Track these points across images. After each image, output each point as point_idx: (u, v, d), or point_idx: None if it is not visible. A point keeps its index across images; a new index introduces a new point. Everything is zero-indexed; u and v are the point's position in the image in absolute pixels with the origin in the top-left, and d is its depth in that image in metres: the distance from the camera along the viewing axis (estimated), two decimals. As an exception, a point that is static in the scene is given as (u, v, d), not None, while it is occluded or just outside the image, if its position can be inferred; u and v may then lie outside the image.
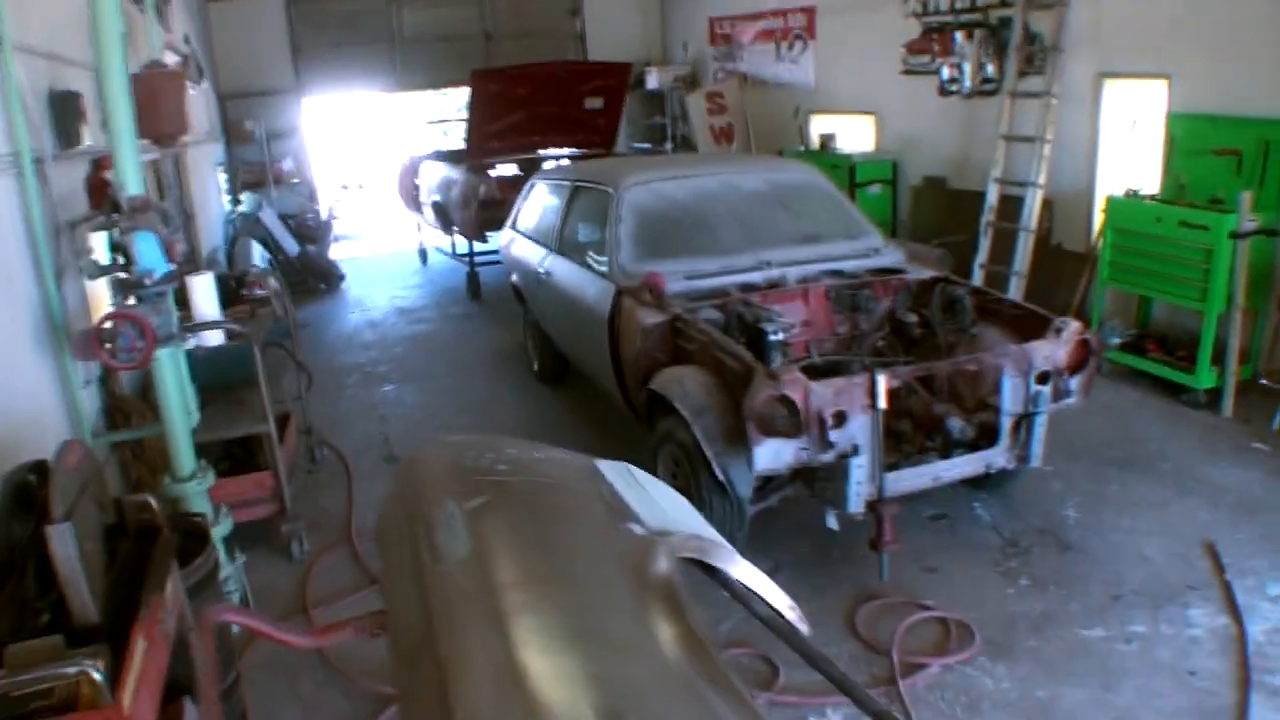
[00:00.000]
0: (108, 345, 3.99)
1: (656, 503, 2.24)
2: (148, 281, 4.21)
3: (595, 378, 6.10)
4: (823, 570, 4.69)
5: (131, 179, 4.16)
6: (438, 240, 12.40)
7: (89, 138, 5.22)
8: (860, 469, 4.14)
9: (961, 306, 4.99)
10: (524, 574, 1.75)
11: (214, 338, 5.17)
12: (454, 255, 11.66)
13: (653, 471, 4.99)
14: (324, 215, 13.32)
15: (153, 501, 3.54)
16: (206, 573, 3.88)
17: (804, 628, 2.31)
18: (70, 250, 4.72)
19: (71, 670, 2.58)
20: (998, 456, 4.48)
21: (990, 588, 4.43)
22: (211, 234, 10.09)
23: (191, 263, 8.61)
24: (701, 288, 5.22)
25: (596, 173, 6.54)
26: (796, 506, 4.75)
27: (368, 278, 12.81)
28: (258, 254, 10.12)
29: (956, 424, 4.51)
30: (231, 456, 5.67)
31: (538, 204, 7.39)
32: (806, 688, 3.86)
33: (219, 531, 4.56)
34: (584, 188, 6.43)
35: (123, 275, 4.19)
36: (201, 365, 5.53)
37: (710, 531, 2.37)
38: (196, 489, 4.53)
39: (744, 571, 2.23)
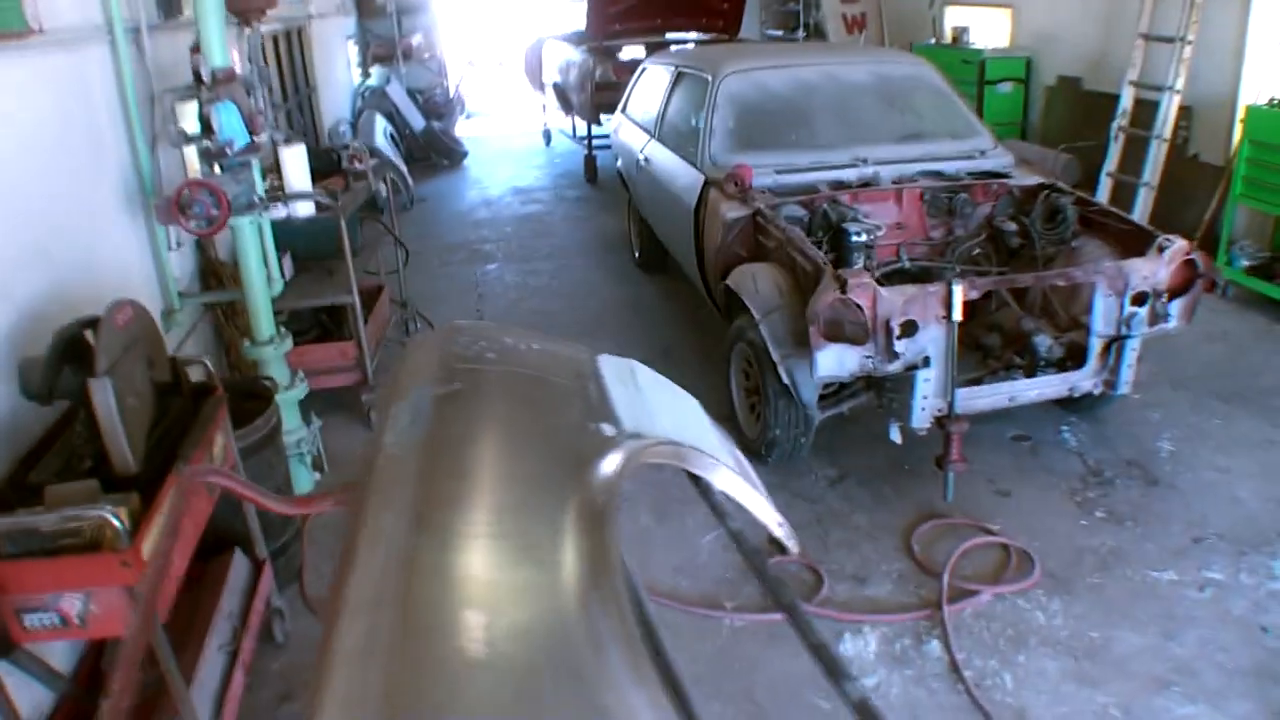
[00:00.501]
0: (185, 212, 4.08)
1: (649, 405, 2.14)
2: (229, 151, 4.28)
3: (684, 268, 5.98)
4: (890, 483, 4.54)
5: (216, 51, 4.19)
6: (561, 122, 12.30)
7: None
8: (928, 382, 3.94)
9: (1064, 217, 4.64)
10: (461, 466, 1.69)
11: (305, 209, 5.23)
12: (574, 138, 11.58)
13: (726, 371, 4.93)
14: (451, 92, 13.33)
15: (208, 362, 3.65)
16: (266, 433, 4.01)
17: (793, 546, 2.21)
18: (165, 120, 4.80)
19: (92, 514, 2.69)
20: (1083, 380, 4.20)
21: (1062, 518, 4.20)
22: (336, 107, 10.21)
23: (311, 135, 8.78)
24: (791, 183, 5.00)
25: (699, 59, 6.30)
26: (871, 415, 4.58)
27: (490, 156, 12.84)
28: (381, 129, 10.21)
29: (1044, 342, 4.24)
30: (321, 325, 5.80)
31: (645, 89, 7.20)
32: (849, 603, 3.77)
33: (294, 395, 4.69)
34: (686, 74, 6.20)
35: (207, 145, 4.27)
36: (297, 235, 5.66)
37: (707, 439, 2.27)
38: (274, 353, 4.65)
39: (727, 481, 2.13)
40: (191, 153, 4.55)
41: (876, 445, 4.72)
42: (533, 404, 2.01)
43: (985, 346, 4.59)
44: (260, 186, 4.77)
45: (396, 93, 11.59)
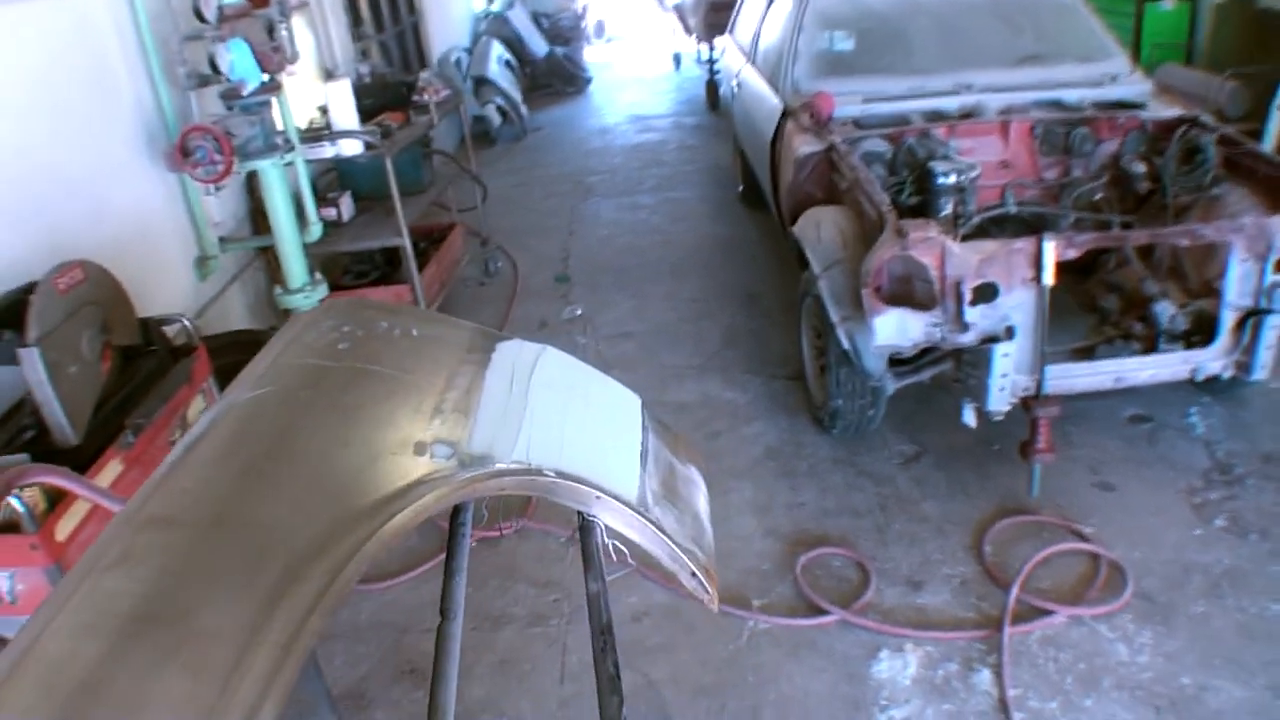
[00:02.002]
0: (189, 158, 3.84)
1: (532, 413, 1.71)
2: (244, 92, 4.00)
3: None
4: (973, 466, 3.93)
5: (220, -16, 3.89)
6: (690, 45, 11.72)
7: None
8: (1008, 358, 3.31)
9: (1204, 158, 3.83)
10: (196, 488, 1.34)
11: (352, 147, 4.93)
12: (699, 62, 11.00)
13: (797, 326, 4.38)
14: (580, 16, 12.85)
15: (186, 321, 3.39)
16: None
17: (710, 602, 1.75)
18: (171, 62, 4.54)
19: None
20: (1210, 360, 3.46)
21: (1173, 523, 3.51)
22: (447, 35, 9.88)
23: (417, 67, 8.50)
24: (879, 114, 4.35)
25: (795, -29, 5.62)
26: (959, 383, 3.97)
27: (616, 82, 12.37)
28: (495, 56, 9.87)
29: (1167, 310, 3.52)
30: (390, 264, 5.55)
31: (748, 8, 6.57)
32: (895, 611, 3.25)
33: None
34: (781, -11, 5.54)
35: (229, 86, 4.01)
36: (359, 173, 5.39)
37: (615, 459, 1.82)
38: (305, 301, 4.41)
39: (614, 516, 1.69)
40: (206, 95, 4.30)
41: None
42: (348, 418, 1.60)
43: (1101, 310, 3.88)
44: (291, 126, 4.47)
45: (519, 18, 11.19)
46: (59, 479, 1.90)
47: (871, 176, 3.77)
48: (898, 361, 3.76)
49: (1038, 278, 3.25)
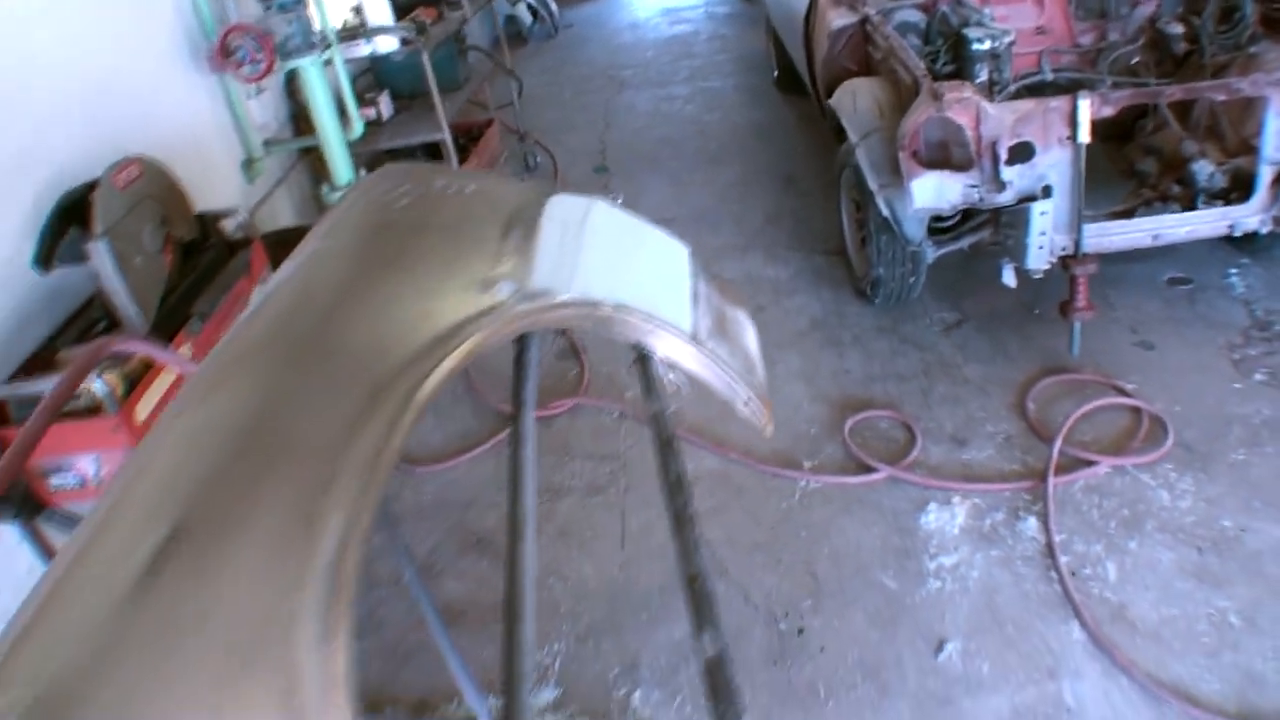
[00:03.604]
0: (230, 58, 3.90)
1: (587, 256, 1.79)
2: (279, -9, 4.04)
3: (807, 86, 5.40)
4: (1015, 331, 3.98)
5: None
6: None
7: None
8: (1045, 216, 3.33)
9: (1241, 15, 3.77)
10: (277, 326, 1.45)
11: (387, 44, 4.96)
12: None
13: (836, 203, 4.41)
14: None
15: (241, 213, 3.49)
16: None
17: (767, 429, 1.85)
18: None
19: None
20: (1247, 216, 3.46)
21: (1213, 378, 3.56)
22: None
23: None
24: (913, -16, 4.30)
25: None
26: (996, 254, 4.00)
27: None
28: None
29: (1205, 168, 3.52)
30: (432, 160, 5.62)
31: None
32: (941, 467, 3.35)
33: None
34: None
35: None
36: (395, 72, 5.42)
37: (668, 297, 1.90)
38: (352, 199, 4.49)
39: (671, 348, 1.77)
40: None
41: (1005, 288, 4.13)
42: (408, 266, 1.70)
43: (1140, 173, 3.89)
44: (327, 24, 4.51)
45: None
46: (146, 347, 2.03)
47: (906, 45, 3.76)
48: (937, 230, 3.80)
49: (1073, 136, 3.26)
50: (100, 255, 2.75)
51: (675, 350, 1.76)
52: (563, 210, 1.92)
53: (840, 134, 4.32)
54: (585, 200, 1.99)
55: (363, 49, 4.93)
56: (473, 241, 1.71)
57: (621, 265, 1.83)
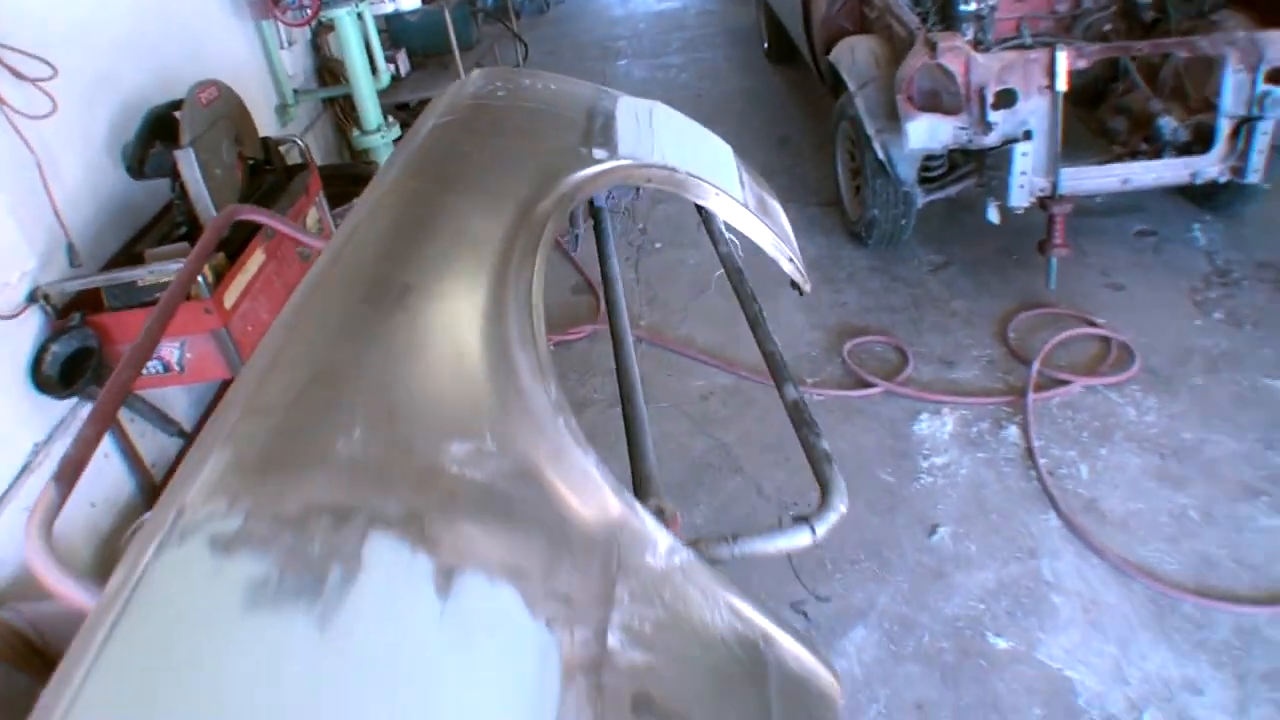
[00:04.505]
0: (279, 4, 4.17)
1: (658, 139, 2.13)
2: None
3: (801, 51, 5.76)
4: (996, 272, 4.36)
5: None
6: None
7: None
8: (1026, 157, 3.71)
9: (1205, -15, 4.18)
10: (421, 175, 1.75)
11: (410, 2, 5.25)
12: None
13: (831, 153, 4.77)
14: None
15: (299, 141, 3.78)
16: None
17: (804, 284, 2.18)
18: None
19: (176, 267, 2.89)
20: (1208, 165, 3.84)
21: (1176, 315, 3.95)
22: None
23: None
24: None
25: None
26: (980, 205, 4.36)
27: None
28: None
29: (1169, 123, 3.91)
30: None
31: None
32: (932, 384, 3.72)
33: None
34: None
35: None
36: (411, 32, 5.70)
37: (721, 174, 2.24)
38: (381, 141, 4.78)
39: (728, 210, 2.11)
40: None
41: (986, 234, 4.51)
42: (521, 131, 2.02)
43: (1110, 131, 4.27)
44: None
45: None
46: (268, 217, 2.31)
47: (901, 3, 4.12)
48: (926, 180, 4.16)
49: (1052, 85, 3.63)
50: (187, 162, 3.03)
51: (733, 213, 2.12)
52: (632, 106, 2.27)
53: (836, 92, 4.68)
54: (648, 101, 2.34)
55: (387, 6, 5.22)
56: (566, 121, 2.05)
57: (685, 148, 2.18)
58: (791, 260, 2.13)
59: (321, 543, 1.01)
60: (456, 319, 1.38)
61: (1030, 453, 3.33)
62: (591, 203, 2.47)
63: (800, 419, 1.54)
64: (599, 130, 2.01)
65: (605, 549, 1.16)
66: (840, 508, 1.46)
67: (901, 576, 2.99)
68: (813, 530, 1.45)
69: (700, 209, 2.11)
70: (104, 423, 1.70)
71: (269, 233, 3.29)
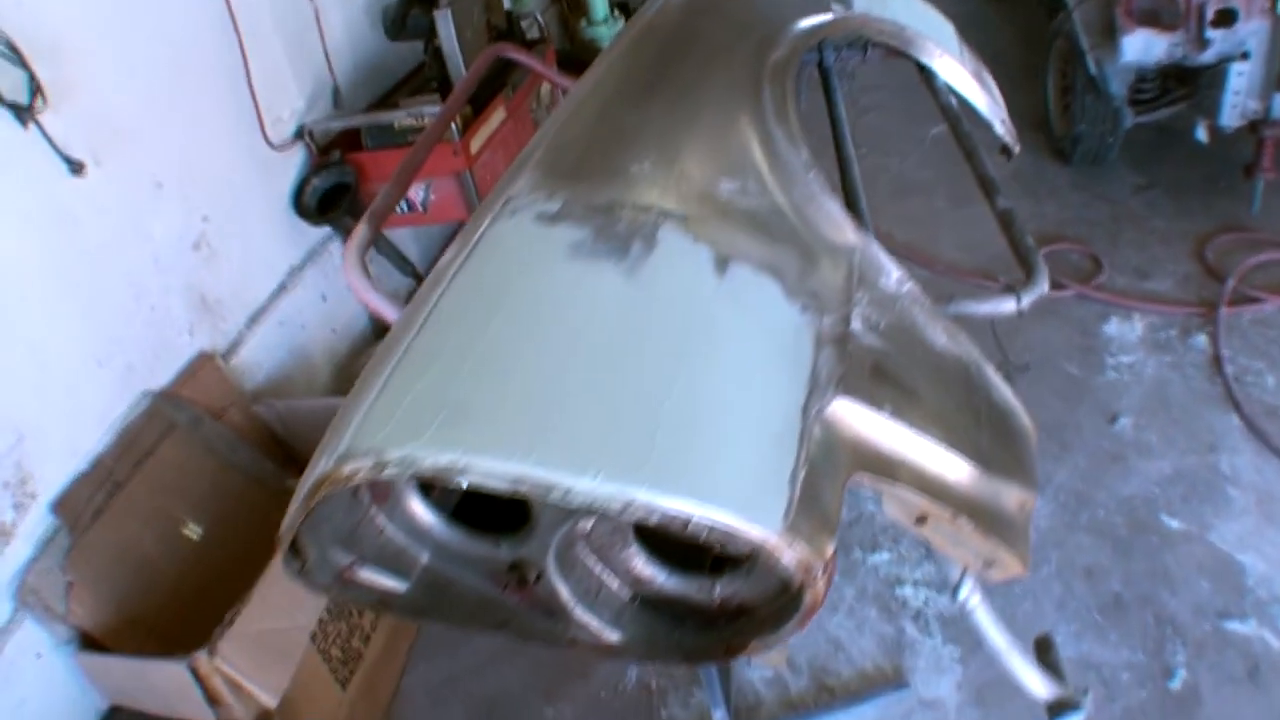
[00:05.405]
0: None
1: (891, 5, 2.32)
2: None
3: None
4: (1197, 197, 4.34)
5: None
6: None
7: None
8: (1241, 76, 3.69)
9: None
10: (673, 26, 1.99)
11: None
12: None
13: (1041, 76, 4.78)
14: None
15: (539, 18, 4.09)
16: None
17: (1014, 145, 2.35)
18: None
19: (429, 110, 3.23)
20: None
21: (1392, 248, 3.87)
22: None
23: None
24: None
25: None
26: (1191, 131, 4.31)
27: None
28: None
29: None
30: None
31: None
32: (1125, 290, 3.79)
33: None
34: None
35: None
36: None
37: (944, 40, 2.41)
38: (608, 30, 5.06)
39: (951, 71, 2.28)
40: None
41: (1194, 160, 4.49)
42: None
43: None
44: None
45: None
46: (527, 57, 2.61)
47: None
48: (1137, 101, 4.16)
49: (1274, 8, 3.58)
50: (444, 21, 3.37)
51: (955, 74, 2.30)
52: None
53: (1052, 13, 4.68)
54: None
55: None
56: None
57: (914, 14, 2.36)
58: (1004, 123, 2.28)
59: (625, 224, 1.28)
60: (725, 102, 1.64)
61: (1217, 360, 3.38)
62: (821, 65, 2.67)
63: (1008, 222, 1.74)
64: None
65: (847, 266, 1.39)
66: (1043, 285, 1.66)
67: (1081, 457, 3.12)
68: (1018, 299, 1.66)
69: (922, 70, 2.29)
70: (403, 185, 2.03)
71: (509, 92, 3.62)
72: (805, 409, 1.10)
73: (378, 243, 3.74)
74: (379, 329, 3.83)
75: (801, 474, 1.02)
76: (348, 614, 2.54)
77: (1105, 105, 4.16)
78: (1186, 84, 4.04)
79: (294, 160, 3.46)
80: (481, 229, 1.24)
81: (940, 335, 1.44)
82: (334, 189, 3.44)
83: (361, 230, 1.73)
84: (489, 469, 0.90)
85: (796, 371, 1.15)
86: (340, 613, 2.49)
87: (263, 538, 2.62)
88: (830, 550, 1.01)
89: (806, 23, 1.96)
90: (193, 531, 2.64)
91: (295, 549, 1.04)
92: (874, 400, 1.18)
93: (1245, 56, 3.65)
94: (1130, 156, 4.60)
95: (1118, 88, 4.02)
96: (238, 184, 3.15)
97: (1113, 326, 3.60)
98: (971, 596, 1.33)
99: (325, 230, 3.57)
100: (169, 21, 2.84)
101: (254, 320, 3.22)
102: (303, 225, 3.47)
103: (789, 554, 0.97)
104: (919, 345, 1.39)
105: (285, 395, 3.29)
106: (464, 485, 0.91)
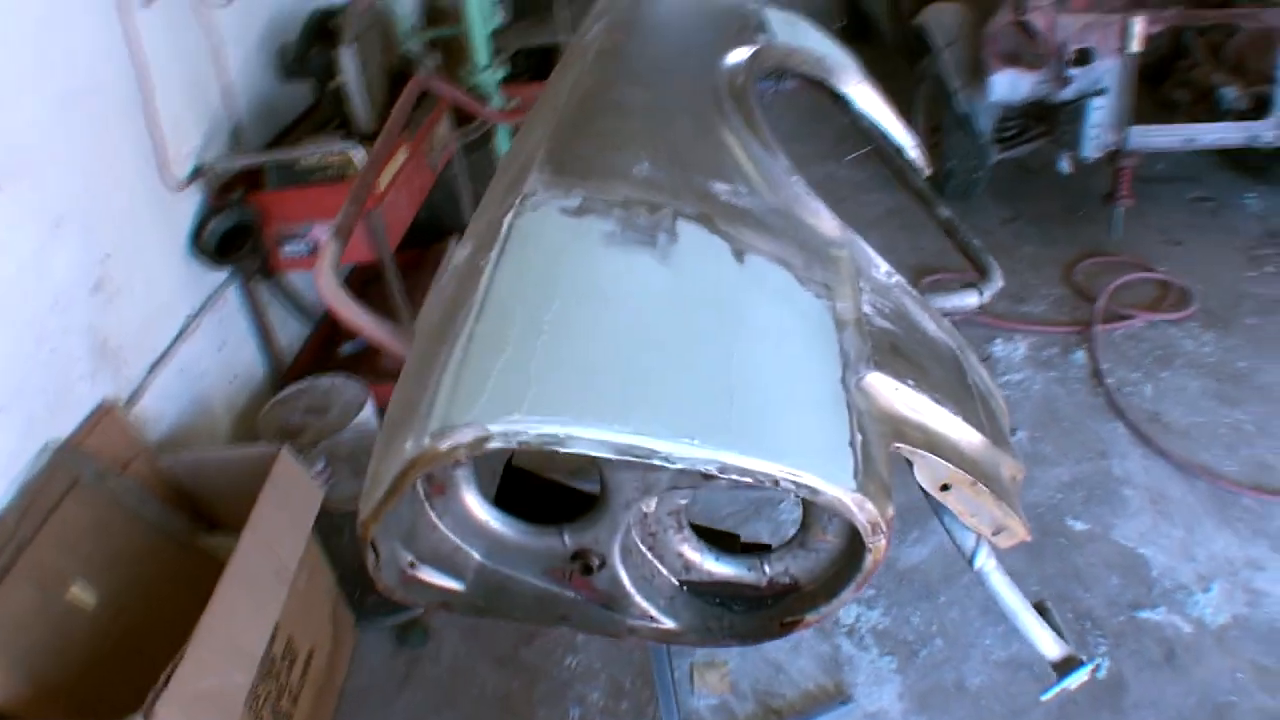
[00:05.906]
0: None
1: (803, 37, 2.44)
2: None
3: (879, 22, 6.08)
4: (1062, 226, 4.66)
5: None
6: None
7: None
8: (1100, 110, 4.00)
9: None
10: (621, 30, 2.05)
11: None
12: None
13: (910, 113, 5.05)
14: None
15: (426, 62, 4.09)
16: (480, 135, 4.49)
17: (925, 169, 2.48)
18: None
19: (338, 148, 3.19)
20: (1264, 130, 4.12)
21: (1230, 267, 4.23)
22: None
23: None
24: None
25: None
26: (1051, 167, 4.61)
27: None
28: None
29: (1230, 93, 4.21)
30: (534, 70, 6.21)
31: None
32: (1005, 314, 3.99)
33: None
34: None
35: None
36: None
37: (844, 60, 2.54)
38: (490, 78, 5.05)
39: (865, 97, 2.40)
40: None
41: (1054, 192, 4.83)
42: (689, 29, 2.31)
43: (1173, 103, 4.56)
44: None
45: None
46: (452, 90, 2.61)
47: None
48: (1000, 139, 4.46)
49: (1126, 47, 3.92)
50: (347, 58, 3.33)
51: (871, 101, 2.43)
52: (778, 12, 2.57)
53: (914, 58, 4.98)
54: (790, 12, 2.64)
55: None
56: (725, 17, 2.34)
57: (825, 46, 2.48)
58: (915, 147, 2.42)
59: (645, 218, 1.31)
60: (699, 115, 1.70)
61: (1098, 373, 3.62)
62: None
63: (952, 229, 1.85)
64: (752, 27, 2.31)
65: (846, 258, 1.45)
66: (999, 281, 1.76)
67: (980, 470, 3.26)
68: (980, 293, 1.76)
69: (836, 97, 2.41)
70: (361, 203, 2.00)
71: (410, 132, 3.60)
72: (844, 382, 1.14)
73: (279, 284, 3.65)
74: (276, 378, 3.70)
75: (859, 439, 1.06)
76: (277, 674, 2.44)
77: (973, 142, 4.44)
78: (1045, 121, 4.35)
79: (194, 200, 3.34)
80: (506, 223, 1.25)
81: (929, 322, 1.51)
82: (234, 229, 3.32)
83: (332, 247, 1.69)
84: (595, 436, 0.91)
85: (828, 349, 1.19)
86: (270, 672, 2.39)
87: (177, 595, 2.49)
88: (891, 512, 1.05)
89: (735, 56, 2.03)
90: (103, 592, 2.48)
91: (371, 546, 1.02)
92: (899, 374, 1.23)
93: (1102, 92, 3.96)
94: (995, 191, 4.89)
95: (985, 125, 4.30)
96: (140, 223, 3.02)
97: (999, 348, 3.81)
98: (987, 562, 1.40)
99: (223, 275, 3.43)
100: (67, 51, 2.72)
101: (154, 367, 3.07)
102: (201, 269, 3.33)
103: (863, 513, 1.00)
104: (916, 330, 1.46)
105: (188, 446, 3.14)
106: (564, 451, 0.91)
